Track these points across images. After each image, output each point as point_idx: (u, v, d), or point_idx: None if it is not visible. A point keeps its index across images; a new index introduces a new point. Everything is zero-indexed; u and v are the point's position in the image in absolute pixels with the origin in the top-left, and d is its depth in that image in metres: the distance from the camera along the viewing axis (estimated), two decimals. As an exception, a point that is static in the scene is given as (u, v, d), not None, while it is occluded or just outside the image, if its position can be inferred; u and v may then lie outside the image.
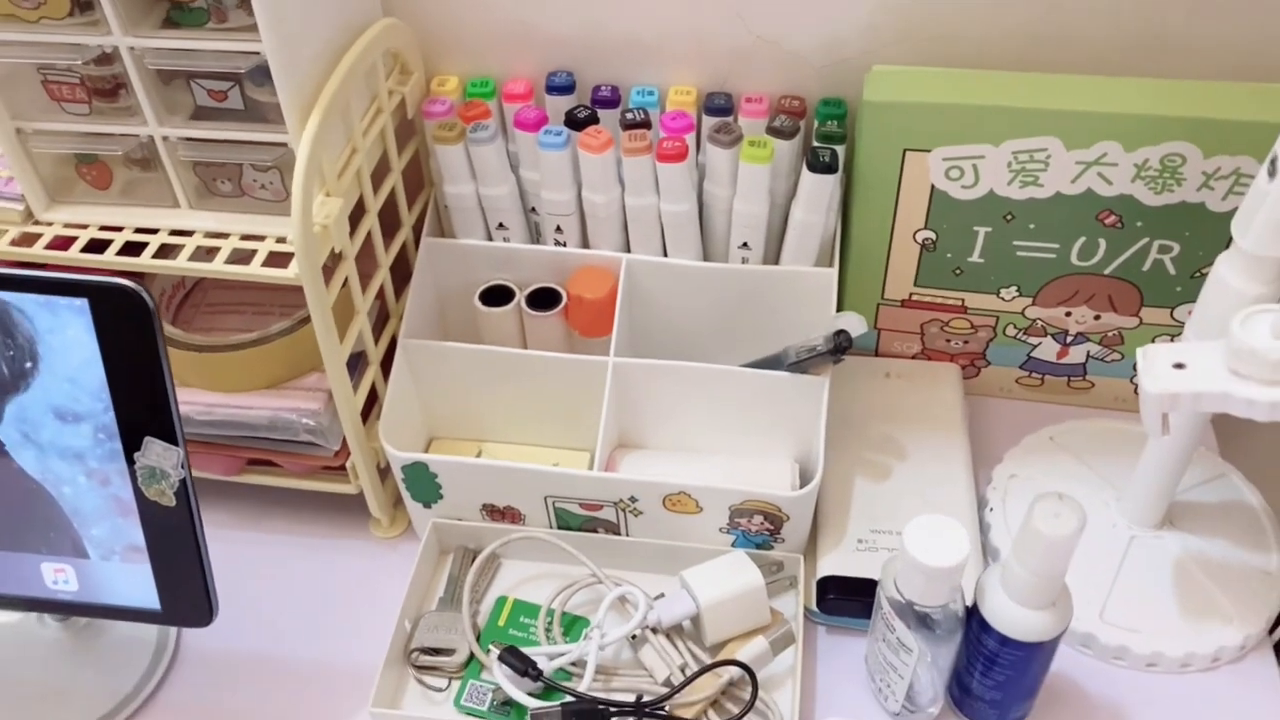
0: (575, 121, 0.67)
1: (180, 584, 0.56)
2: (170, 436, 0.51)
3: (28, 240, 0.61)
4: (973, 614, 0.56)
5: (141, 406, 0.51)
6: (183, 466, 0.52)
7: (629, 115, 0.66)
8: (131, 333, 0.49)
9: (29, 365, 0.51)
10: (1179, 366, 0.52)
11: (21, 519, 0.56)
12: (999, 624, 0.55)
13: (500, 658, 0.60)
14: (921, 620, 0.55)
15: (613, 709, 0.58)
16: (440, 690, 0.63)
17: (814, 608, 0.65)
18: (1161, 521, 0.67)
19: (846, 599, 0.64)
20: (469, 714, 0.61)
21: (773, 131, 0.65)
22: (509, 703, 0.61)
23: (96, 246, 0.60)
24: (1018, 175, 0.65)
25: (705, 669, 0.60)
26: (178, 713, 0.63)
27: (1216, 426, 0.74)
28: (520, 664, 0.59)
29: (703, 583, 0.62)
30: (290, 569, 0.70)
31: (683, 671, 0.61)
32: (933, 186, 0.67)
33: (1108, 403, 0.78)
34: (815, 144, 0.65)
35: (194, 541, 0.54)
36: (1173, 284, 0.70)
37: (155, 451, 0.51)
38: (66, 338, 0.50)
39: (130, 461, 0.52)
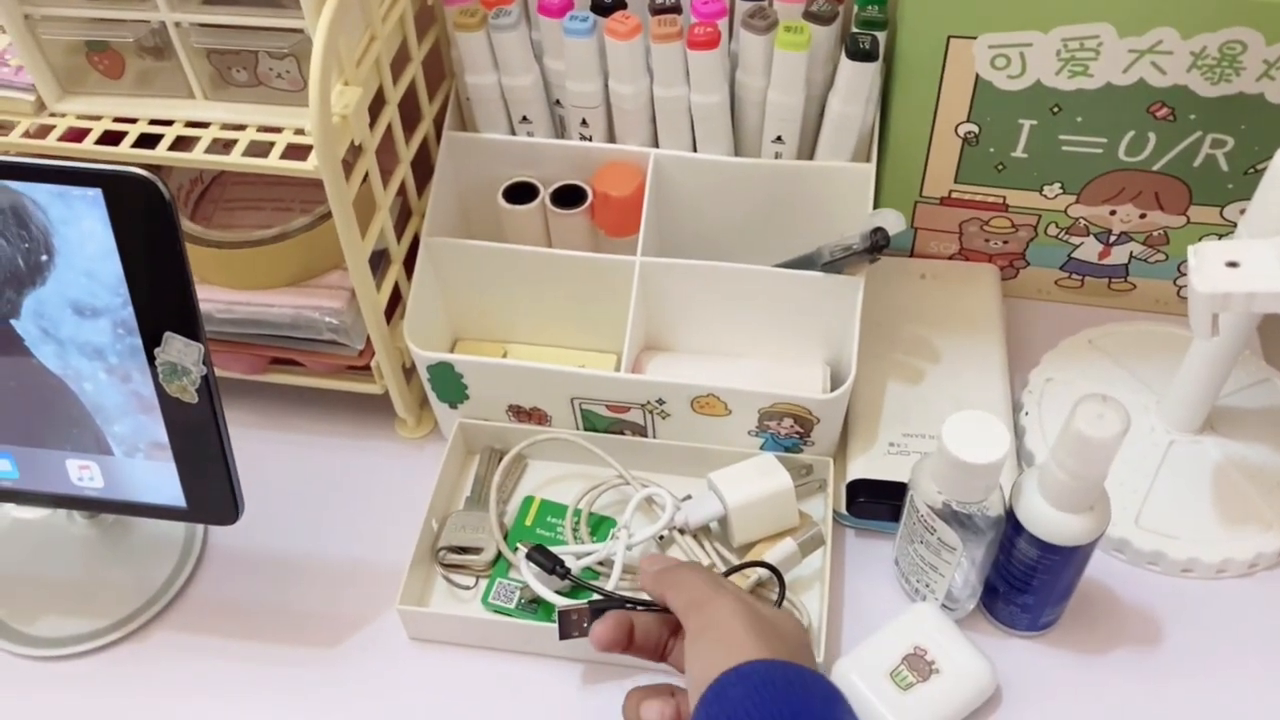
0: (602, 7, 0.64)
1: (205, 481, 0.56)
2: (191, 332, 0.50)
3: (41, 132, 0.59)
4: (1008, 517, 0.55)
5: (160, 301, 0.50)
6: (204, 362, 0.51)
7: (658, 0, 0.63)
8: (147, 224, 0.48)
9: (45, 258, 0.49)
10: (1232, 265, 0.50)
11: (44, 416, 0.55)
12: (1034, 528, 0.54)
13: (528, 556, 0.60)
14: (958, 519, 0.54)
15: (640, 607, 0.58)
16: (468, 588, 0.63)
17: (843, 511, 0.64)
18: (1202, 426, 0.65)
19: (877, 502, 0.63)
20: (496, 611, 0.62)
21: (810, 16, 0.62)
22: (536, 600, 0.61)
23: (111, 139, 0.59)
24: (1067, 64, 0.62)
25: (733, 570, 0.60)
26: (205, 609, 0.64)
27: (1261, 329, 0.72)
28: (548, 562, 0.59)
29: (730, 484, 0.62)
30: (316, 468, 0.70)
31: (710, 572, 0.61)
32: (977, 76, 0.64)
33: (1149, 305, 0.76)
34: (855, 30, 0.63)
35: (217, 439, 0.54)
36: (1224, 181, 0.67)
37: (175, 347, 0.50)
38: (81, 229, 0.48)
39: (150, 358, 0.51)
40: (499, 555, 0.63)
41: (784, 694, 0.44)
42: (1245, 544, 0.61)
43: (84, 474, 0.58)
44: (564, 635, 0.56)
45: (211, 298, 0.65)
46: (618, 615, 0.53)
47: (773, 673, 0.45)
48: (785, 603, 0.59)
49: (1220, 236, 0.70)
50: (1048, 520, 0.53)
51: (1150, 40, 0.60)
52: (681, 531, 0.62)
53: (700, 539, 0.63)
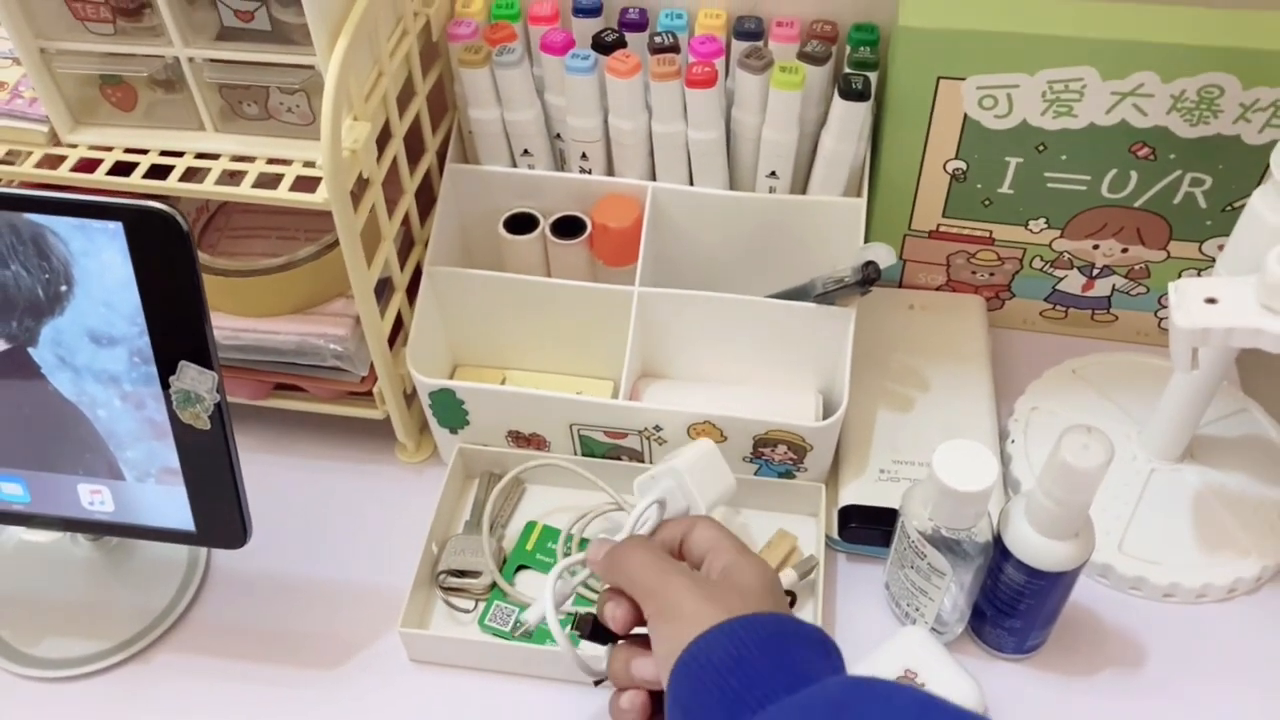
0: (602, 45, 0.66)
1: (215, 506, 0.57)
2: (205, 361, 0.51)
3: (53, 162, 0.60)
4: (995, 543, 0.57)
5: (176, 331, 0.51)
6: (218, 390, 0.52)
7: (657, 39, 0.65)
8: (166, 256, 0.49)
9: (64, 288, 0.51)
10: (1211, 301, 0.52)
11: (58, 441, 0.56)
12: (1022, 554, 0.55)
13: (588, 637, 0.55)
14: (948, 545, 0.56)
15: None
16: (467, 611, 0.64)
17: (835, 536, 0.66)
18: (1182, 455, 0.67)
19: (868, 527, 0.65)
20: (493, 634, 0.63)
21: (804, 57, 0.64)
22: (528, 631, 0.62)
23: (122, 169, 0.60)
24: (1052, 105, 0.64)
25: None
26: (208, 632, 0.64)
27: (1239, 361, 0.74)
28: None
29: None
30: (318, 492, 0.71)
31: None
32: (965, 115, 0.66)
33: (1131, 336, 0.78)
34: (847, 70, 0.65)
35: (228, 465, 0.55)
36: (1203, 217, 0.69)
37: (190, 375, 0.52)
38: (101, 261, 0.50)
39: (165, 385, 0.53)
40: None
41: (736, 658, 0.45)
42: (1224, 570, 0.63)
43: (95, 498, 0.59)
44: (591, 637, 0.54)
45: (218, 324, 0.66)
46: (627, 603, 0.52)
47: (720, 641, 0.46)
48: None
49: (1199, 270, 0.72)
50: (1034, 546, 0.55)
51: (1132, 84, 0.63)
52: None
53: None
